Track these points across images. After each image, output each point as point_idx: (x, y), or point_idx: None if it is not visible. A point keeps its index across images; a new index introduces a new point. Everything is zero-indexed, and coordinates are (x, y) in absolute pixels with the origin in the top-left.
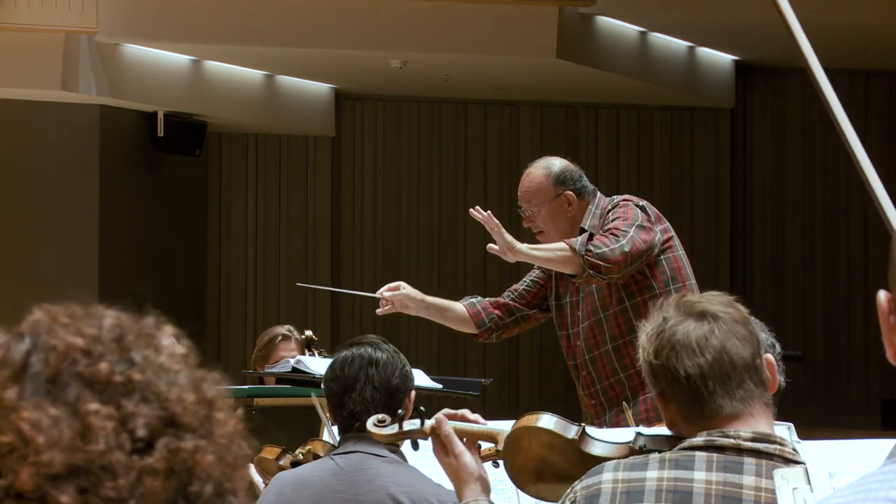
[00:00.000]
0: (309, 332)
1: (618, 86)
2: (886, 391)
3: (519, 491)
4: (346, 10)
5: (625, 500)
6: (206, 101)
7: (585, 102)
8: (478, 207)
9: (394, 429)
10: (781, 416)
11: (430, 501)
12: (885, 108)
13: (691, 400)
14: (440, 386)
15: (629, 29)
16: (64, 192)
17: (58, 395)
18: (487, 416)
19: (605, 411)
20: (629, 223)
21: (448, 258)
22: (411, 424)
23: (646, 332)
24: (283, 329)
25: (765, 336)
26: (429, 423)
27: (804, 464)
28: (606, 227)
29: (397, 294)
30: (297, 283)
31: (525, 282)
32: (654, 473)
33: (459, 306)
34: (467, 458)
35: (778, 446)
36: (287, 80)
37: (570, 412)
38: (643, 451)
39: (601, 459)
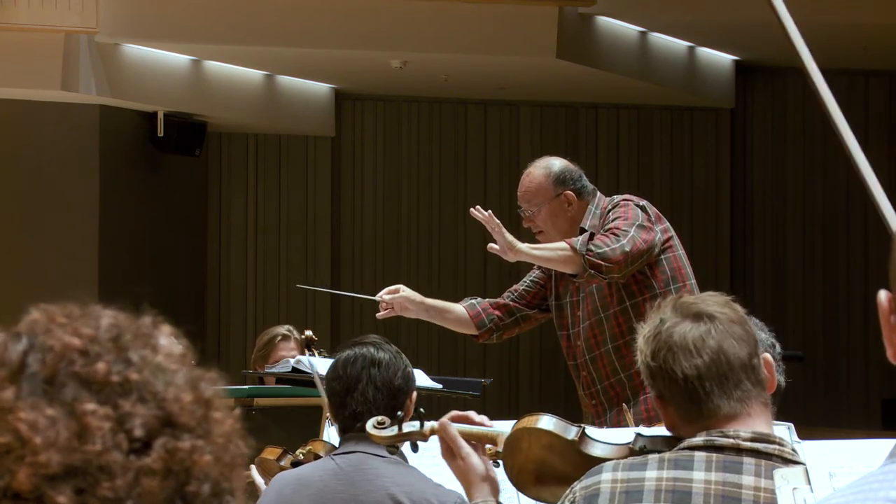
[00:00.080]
0: (309, 332)
1: (618, 86)
2: (886, 391)
3: (519, 492)
4: (346, 10)
5: (624, 499)
6: (206, 101)
7: (585, 102)
8: (478, 207)
9: (393, 430)
10: (781, 416)
11: (430, 501)
12: (885, 108)
13: (689, 401)
14: (440, 386)
15: (629, 29)
16: (64, 192)
17: (55, 396)
18: (487, 417)
19: (605, 411)
20: (630, 223)
21: (448, 258)
22: (411, 426)
23: (643, 335)
24: (282, 329)
25: (765, 336)
26: (428, 424)
27: (804, 464)
28: (607, 227)
29: (396, 297)
30: (298, 285)
31: (525, 282)
32: (653, 473)
33: (459, 308)
34: (475, 459)
35: (777, 446)
36: (287, 80)
37: (571, 412)
38: (643, 452)
39: (601, 460)
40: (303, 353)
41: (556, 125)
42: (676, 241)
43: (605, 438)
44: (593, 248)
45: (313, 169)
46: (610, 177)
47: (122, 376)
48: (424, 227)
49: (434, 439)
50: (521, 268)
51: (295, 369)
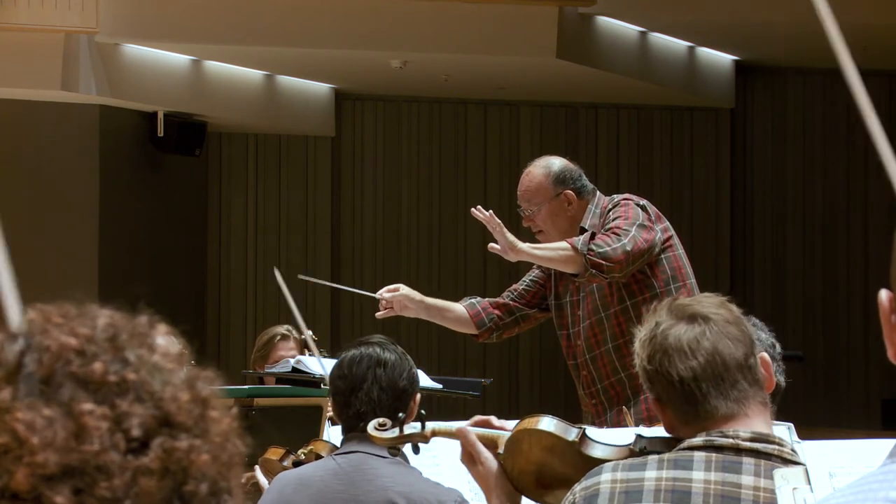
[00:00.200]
0: (309, 332)
1: (618, 86)
2: (886, 391)
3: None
4: (346, 10)
5: (623, 499)
6: (206, 101)
7: (585, 102)
8: (479, 207)
9: (395, 432)
10: (781, 416)
11: (430, 502)
12: (885, 108)
13: (686, 403)
14: (440, 386)
15: (629, 29)
16: (64, 192)
17: (52, 396)
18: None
19: (605, 410)
20: (630, 222)
21: (448, 258)
22: (412, 428)
23: (639, 339)
24: (281, 329)
25: (765, 336)
26: (430, 426)
27: (803, 464)
28: (608, 227)
29: (397, 295)
30: (300, 276)
31: (524, 281)
32: (652, 473)
33: (459, 307)
34: (495, 465)
35: (777, 446)
36: (287, 80)
37: (571, 412)
38: (644, 453)
39: (602, 462)
40: (302, 353)
41: (556, 125)
42: (676, 241)
43: (606, 440)
44: (594, 247)
45: (313, 169)
46: (610, 177)
47: (119, 376)
48: (424, 227)
49: (435, 440)
50: (521, 268)
51: (295, 369)
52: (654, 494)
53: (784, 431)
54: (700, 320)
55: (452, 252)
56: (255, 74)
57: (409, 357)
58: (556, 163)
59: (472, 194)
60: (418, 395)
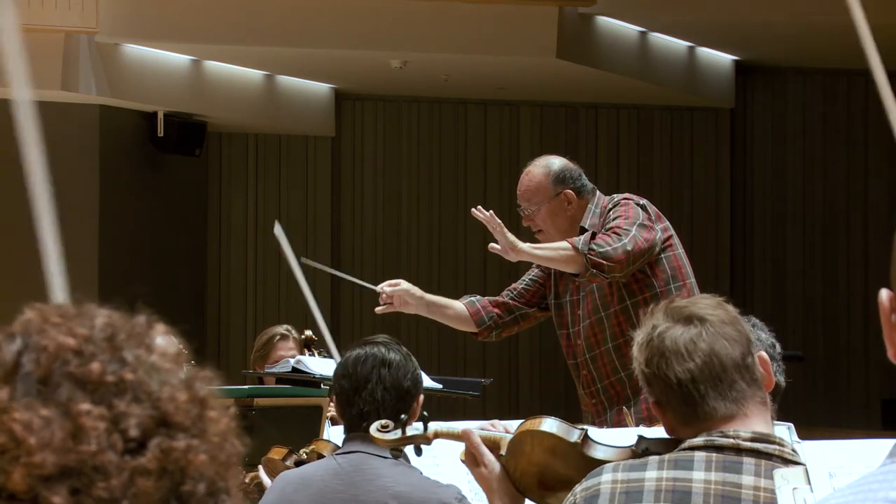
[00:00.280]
0: (308, 332)
1: (618, 86)
2: (886, 391)
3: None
4: (346, 10)
5: (624, 500)
6: (206, 101)
7: (585, 102)
8: (480, 207)
9: (397, 434)
10: (781, 416)
11: (430, 501)
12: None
13: (685, 405)
14: (440, 386)
15: (629, 29)
16: (64, 192)
17: (49, 396)
18: (487, 417)
19: (605, 410)
20: (630, 222)
21: (448, 258)
22: (414, 429)
23: (637, 342)
24: (281, 328)
25: (765, 336)
26: (432, 428)
27: (804, 464)
28: (608, 226)
29: (397, 289)
30: (302, 259)
31: (524, 280)
32: (653, 474)
33: (459, 304)
34: (498, 467)
35: (777, 446)
36: (287, 80)
37: (571, 412)
38: (646, 454)
39: (604, 463)
40: (302, 353)
41: (556, 125)
42: (676, 240)
43: (608, 441)
44: (595, 247)
45: (313, 169)
46: (610, 177)
47: (117, 376)
48: (424, 227)
49: (437, 441)
50: (521, 268)
51: (295, 369)
52: (654, 495)
53: (784, 431)
54: (696, 322)
55: (452, 252)
56: (255, 74)
57: (413, 358)
58: (556, 162)
59: (472, 194)
60: (421, 397)
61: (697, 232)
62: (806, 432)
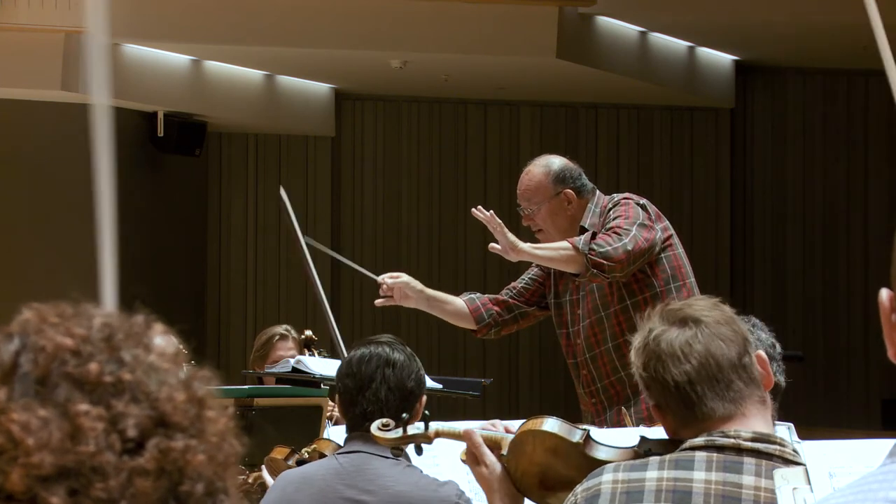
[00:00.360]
0: (308, 332)
1: (618, 86)
2: (886, 391)
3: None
4: (346, 10)
5: (624, 500)
6: (206, 101)
7: (585, 102)
8: (480, 207)
9: (398, 433)
10: (781, 416)
11: (430, 501)
12: (885, 107)
13: (684, 407)
14: (440, 386)
15: (629, 29)
16: (64, 192)
17: (47, 396)
18: (487, 416)
19: (605, 409)
20: (631, 221)
21: (448, 258)
22: (415, 429)
23: (634, 347)
24: (280, 328)
25: (765, 336)
26: (433, 427)
27: (804, 465)
28: (608, 226)
29: (398, 282)
30: (304, 238)
31: (524, 279)
32: (653, 474)
33: (459, 301)
34: (499, 467)
35: (778, 447)
36: (287, 80)
37: (571, 411)
38: (648, 455)
39: (605, 464)
40: (301, 353)
41: (556, 125)
42: (676, 240)
43: (610, 441)
44: (595, 247)
45: (313, 169)
46: (610, 177)
47: (115, 376)
48: (424, 227)
49: (437, 441)
50: (521, 267)
51: (295, 369)
52: (655, 495)
53: (784, 431)
54: (691, 323)
55: (452, 252)
56: (255, 74)
57: (417, 359)
58: (556, 162)
59: (472, 194)
60: (424, 397)
61: (697, 232)
62: (806, 432)
